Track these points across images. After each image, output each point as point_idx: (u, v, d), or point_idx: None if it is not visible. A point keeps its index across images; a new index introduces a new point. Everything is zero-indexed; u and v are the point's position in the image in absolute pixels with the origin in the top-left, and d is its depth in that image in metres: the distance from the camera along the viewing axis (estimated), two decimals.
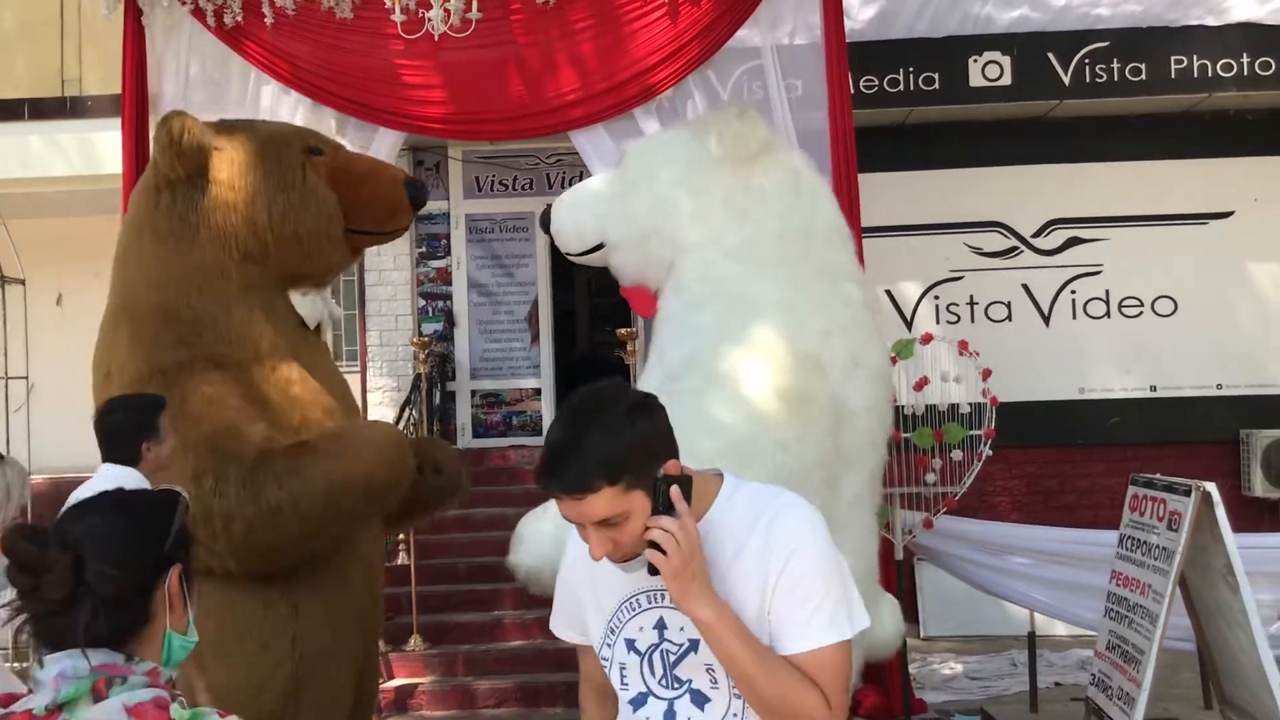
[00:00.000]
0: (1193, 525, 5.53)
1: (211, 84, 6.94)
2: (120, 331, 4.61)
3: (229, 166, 4.71)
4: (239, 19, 6.67)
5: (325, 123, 6.76)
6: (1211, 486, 5.54)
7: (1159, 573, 5.66)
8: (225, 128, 4.89)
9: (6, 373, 6.27)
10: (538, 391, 10.40)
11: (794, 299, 4.79)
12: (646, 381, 4.89)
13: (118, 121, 9.51)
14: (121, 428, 4.01)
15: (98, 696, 1.72)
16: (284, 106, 6.83)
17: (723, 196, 4.91)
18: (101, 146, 9.64)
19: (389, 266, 10.39)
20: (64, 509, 1.97)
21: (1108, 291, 9.33)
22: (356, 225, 4.94)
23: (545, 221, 5.41)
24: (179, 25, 6.86)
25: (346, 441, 4.49)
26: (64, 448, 7.26)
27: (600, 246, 5.18)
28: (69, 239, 10.31)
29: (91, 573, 1.74)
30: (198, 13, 6.72)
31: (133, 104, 6.86)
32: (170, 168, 4.62)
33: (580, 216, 5.20)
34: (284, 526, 4.23)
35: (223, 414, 4.38)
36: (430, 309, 10.40)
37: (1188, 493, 5.58)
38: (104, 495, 1.91)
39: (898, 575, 6.56)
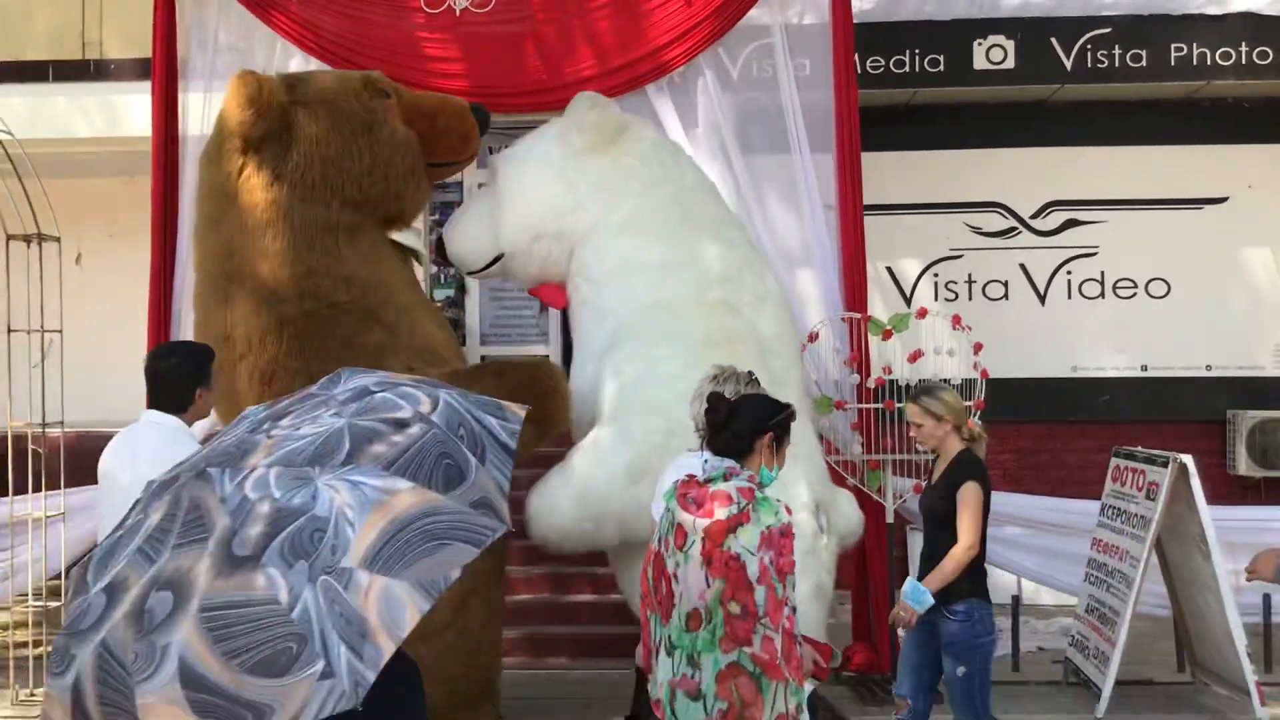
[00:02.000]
0: (1169, 495, 5.83)
1: (238, 52, 7.16)
2: (233, 294, 4.81)
3: (314, 120, 4.87)
4: None
5: None
6: (1188, 458, 5.84)
7: (1136, 540, 5.96)
8: (294, 80, 5.05)
9: (43, 326, 6.51)
10: (546, 358, 10.65)
11: (688, 255, 5.24)
12: (582, 367, 5.27)
13: (141, 85, 9.83)
14: (175, 372, 3.99)
15: (726, 479, 3.23)
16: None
17: (596, 182, 5.34)
18: (124, 109, 9.82)
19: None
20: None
21: (1103, 273, 9.53)
22: (435, 158, 5.23)
23: (442, 251, 5.75)
24: None
25: (508, 373, 4.88)
26: (85, 403, 7.52)
27: (498, 259, 5.53)
28: (88, 199, 10.50)
29: (738, 422, 3.34)
30: None
31: (162, 71, 7.07)
32: (249, 129, 4.79)
33: (471, 236, 5.56)
34: None
35: (367, 354, 4.68)
36: (443, 275, 10.62)
37: (1165, 464, 5.88)
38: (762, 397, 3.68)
39: (890, 547, 6.82)
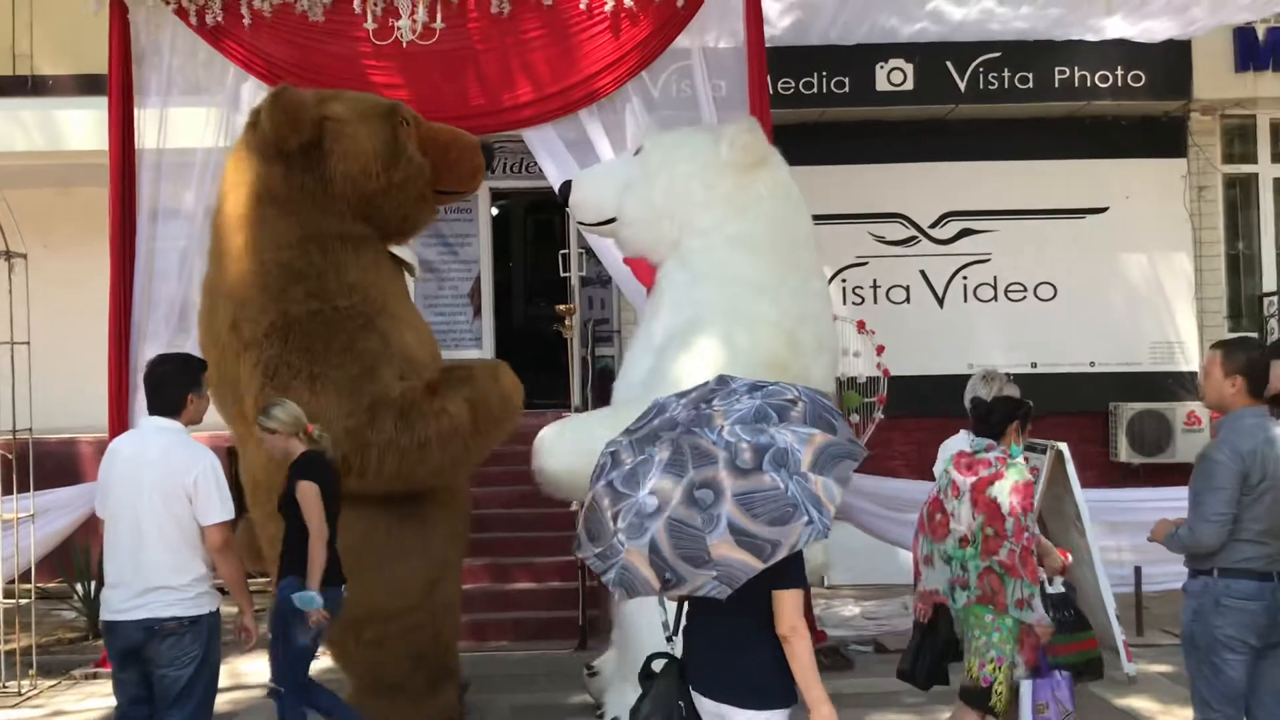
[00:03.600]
0: (1049, 478, 6.57)
1: (193, 77, 7.54)
2: (247, 288, 5.24)
3: (343, 138, 5.32)
4: (219, 19, 7.30)
5: None
6: (1063, 446, 6.59)
7: None
8: (326, 99, 5.48)
9: (12, 338, 6.85)
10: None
11: (778, 285, 5.80)
12: (648, 337, 5.80)
13: (77, 100, 10.14)
14: (170, 379, 4.53)
15: (987, 450, 4.81)
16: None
17: (728, 193, 5.88)
18: (62, 124, 10.06)
19: None
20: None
21: (995, 278, 10.31)
22: (442, 186, 5.73)
23: (565, 193, 6.21)
24: (162, 22, 7.45)
25: (477, 378, 5.23)
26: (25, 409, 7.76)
27: (612, 220, 6.05)
28: (22, 211, 10.65)
29: (995, 415, 4.97)
30: (180, 12, 7.34)
31: (119, 92, 7.44)
32: (284, 139, 5.21)
33: (601, 193, 6.05)
34: (430, 459, 5.03)
35: (365, 359, 5.13)
36: None
37: (1044, 451, 6.62)
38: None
39: None
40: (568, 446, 5.29)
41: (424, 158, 5.61)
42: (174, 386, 4.51)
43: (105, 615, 4.50)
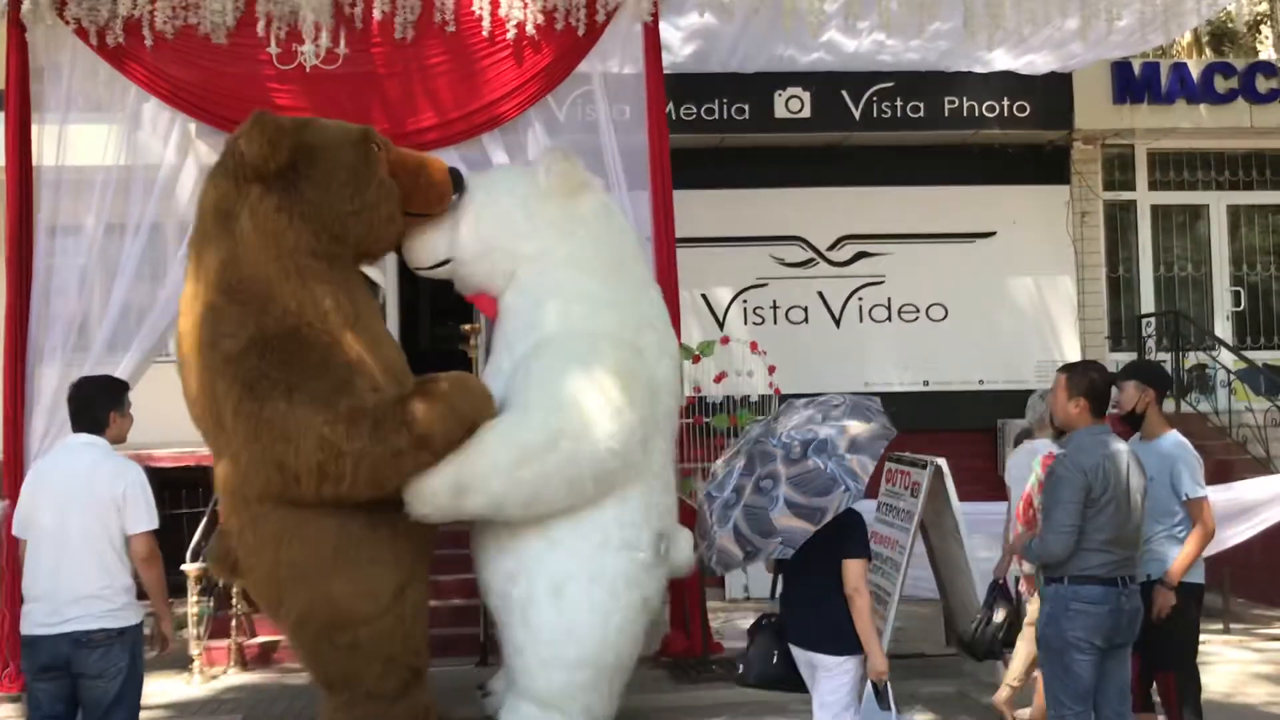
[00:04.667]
0: (929, 492, 6.87)
1: (93, 96, 7.50)
2: (225, 305, 5.37)
3: (318, 162, 5.49)
4: (120, 40, 7.27)
5: (205, 137, 7.49)
6: (942, 461, 6.90)
7: (904, 531, 7.00)
8: (302, 126, 5.62)
9: None
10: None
11: (614, 299, 6.03)
12: (497, 366, 5.99)
13: None
14: (94, 400, 4.79)
15: None
16: (162, 121, 7.50)
17: (552, 219, 6.10)
18: None
19: None
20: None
21: (889, 299, 10.68)
22: (411, 208, 5.88)
23: (458, 180, 6.34)
24: (62, 42, 7.38)
25: (446, 388, 5.39)
26: None
27: (446, 262, 6.22)
28: None
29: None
30: (80, 32, 7.28)
31: (16, 109, 7.37)
32: (264, 162, 5.36)
33: (428, 237, 6.20)
34: (404, 466, 5.23)
35: (340, 372, 5.32)
36: None
37: (925, 466, 6.92)
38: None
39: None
40: (432, 483, 5.49)
41: (394, 181, 5.77)
42: (97, 406, 4.78)
43: (27, 630, 4.62)
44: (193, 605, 7.59)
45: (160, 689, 7.37)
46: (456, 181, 6.12)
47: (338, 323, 5.54)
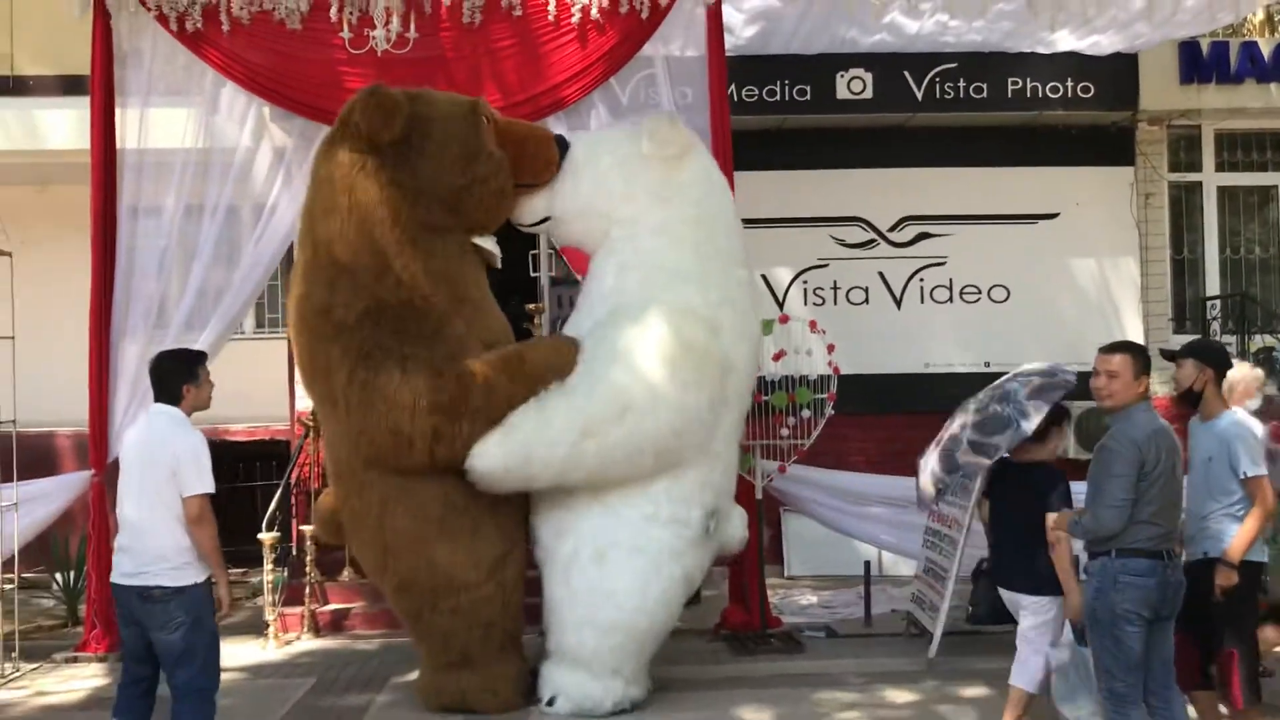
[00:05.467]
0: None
1: (173, 80, 7.77)
2: (338, 275, 5.59)
3: (430, 134, 5.63)
4: (199, 25, 7.53)
5: (278, 121, 7.71)
6: None
7: (963, 509, 7.04)
8: (415, 98, 5.75)
9: None
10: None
11: (700, 272, 6.08)
12: (577, 325, 6.12)
13: (56, 100, 10.35)
14: (170, 374, 5.07)
15: None
16: (238, 105, 7.75)
17: (650, 185, 6.15)
18: (42, 123, 10.27)
19: None
20: None
21: (951, 280, 10.66)
22: (519, 179, 6.03)
23: (563, 146, 6.46)
24: (143, 28, 7.68)
25: (546, 353, 5.78)
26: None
27: (546, 220, 6.36)
28: (4, 208, 10.86)
29: None
30: (161, 18, 7.56)
31: (101, 94, 7.66)
32: (378, 134, 5.52)
33: (532, 195, 6.31)
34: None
35: (450, 341, 5.57)
36: None
37: None
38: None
39: (760, 521, 7.75)
40: (495, 452, 5.63)
41: (502, 152, 5.91)
42: (172, 379, 5.05)
43: (112, 578, 4.98)
44: (268, 573, 7.85)
45: (236, 653, 7.63)
46: (562, 148, 6.22)
47: (448, 293, 5.70)
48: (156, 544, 4.83)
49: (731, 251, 6.34)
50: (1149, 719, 4.70)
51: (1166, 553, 4.62)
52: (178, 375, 5.04)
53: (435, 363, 5.53)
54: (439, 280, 5.72)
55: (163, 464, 4.84)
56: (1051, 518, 5.21)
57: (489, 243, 6.21)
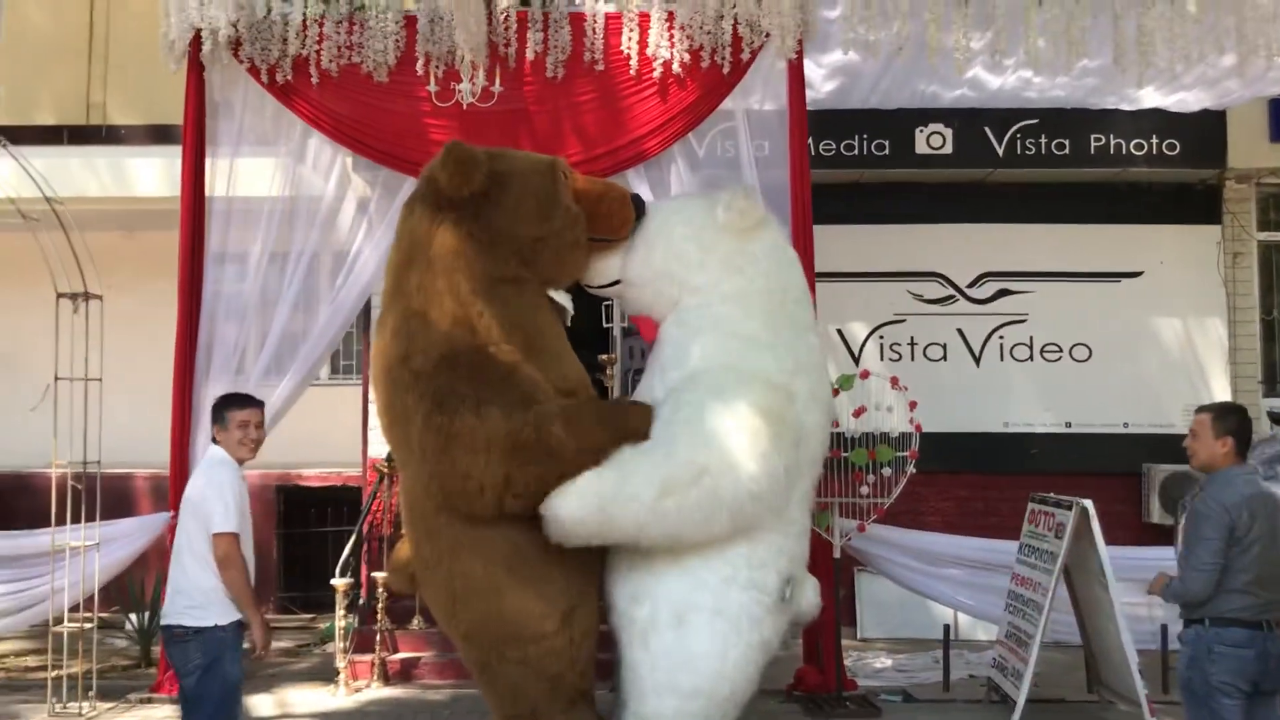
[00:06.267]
0: (1074, 534, 6.75)
1: (261, 131, 7.95)
2: (418, 325, 5.66)
3: (508, 190, 5.71)
4: (289, 77, 7.70)
5: (361, 171, 7.83)
6: (1088, 502, 6.76)
7: (1046, 573, 6.88)
8: (495, 155, 5.85)
9: (86, 375, 7.27)
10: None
11: (773, 340, 6.03)
12: (648, 390, 6.09)
13: (145, 149, 10.64)
14: (212, 416, 5.45)
15: None
16: (324, 155, 7.89)
17: (723, 255, 6.13)
18: (132, 171, 10.56)
19: None
20: None
21: (1031, 338, 10.48)
22: (594, 234, 6.06)
23: (639, 206, 6.50)
24: (235, 80, 7.87)
25: (632, 413, 5.68)
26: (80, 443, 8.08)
27: (617, 283, 6.36)
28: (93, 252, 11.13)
29: None
30: (253, 70, 7.74)
31: (192, 144, 7.84)
32: (457, 189, 5.62)
33: (603, 257, 6.34)
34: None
35: (525, 387, 5.55)
36: None
37: (1070, 508, 6.79)
38: None
39: (836, 580, 7.62)
40: (574, 502, 5.60)
41: (579, 207, 5.98)
42: (212, 422, 5.41)
43: None
44: (339, 619, 7.86)
45: (306, 699, 7.66)
46: (638, 207, 6.25)
47: (523, 342, 5.73)
48: (180, 582, 4.93)
49: (803, 319, 6.32)
50: None
51: (1267, 624, 4.43)
52: (213, 418, 5.38)
53: (509, 409, 5.53)
54: (514, 329, 5.74)
55: (191, 502, 5.03)
56: (1153, 582, 5.04)
57: (563, 297, 6.21)
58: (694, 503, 5.52)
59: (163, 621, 4.99)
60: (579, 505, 5.52)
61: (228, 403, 5.48)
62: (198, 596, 4.83)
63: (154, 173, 10.21)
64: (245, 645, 5.16)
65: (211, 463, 5.13)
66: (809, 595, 6.14)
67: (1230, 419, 4.62)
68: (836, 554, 7.52)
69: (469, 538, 5.63)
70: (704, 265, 6.09)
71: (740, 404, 5.63)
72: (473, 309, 5.68)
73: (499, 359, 5.65)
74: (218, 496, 4.90)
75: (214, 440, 5.41)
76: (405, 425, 5.75)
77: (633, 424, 5.66)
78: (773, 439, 5.65)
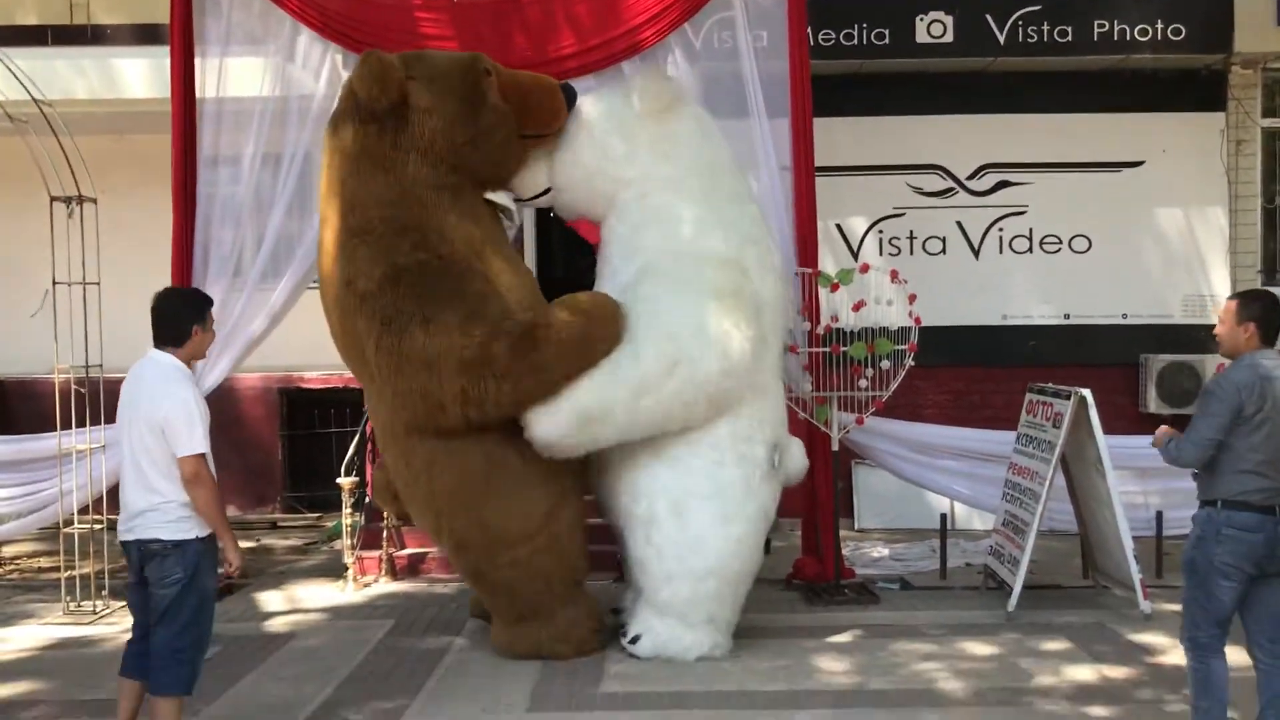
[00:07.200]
0: (1071, 423, 6.79)
1: (250, 29, 7.78)
2: (356, 246, 5.58)
3: (428, 95, 5.59)
4: None
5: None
6: (1087, 392, 6.80)
7: (1044, 462, 6.94)
8: (412, 59, 5.73)
9: (84, 279, 7.26)
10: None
11: (715, 218, 6.12)
12: (603, 289, 6.11)
13: (134, 50, 10.42)
14: (180, 312, 4.72)
15: None
16: (315, 53, 7.73)
17: (648, 141, 6.18)
18: (120, 73, 10.37)
19: None
20: None
21: (1031, 230, 10.41)
22: (527, 130, 5.99)
23: (570, 96, 6.44)
24: None
25: (581, 297, 5.66)
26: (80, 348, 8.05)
27: (547, 191, 6.34)
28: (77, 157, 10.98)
29: None
30: None
31: (180, 44, 7.69)
32: (376, 101, 5.51)
33: (531, 167, 6.29)
34: (548, 378, 5.48)
35: (472, 299, 5.49)
36: None
37: (1069, 397, 6.83)
38: None
39: (835, 472, 7.69)
40: (555, 421, 5.65)
41: (506, 104, 5.86)
42: (182, 318, 4.70)
43: (118, 535, 4.75)
44: (346, 518, 7.96)
45: (315, 595, 7.80)
46: (569, 97, 6.15)
47: (465, 252, 5.66)
48: (143, 499, 4.58)
49: (739, 191, 6.39)
50: (1258, 670, 4.61)
51: (1277, 508, 4.47)
52: (188, 315, 4.71)
53: (458, 322, 5.48)
54: (453, 239, 5.68)
55: (150, 420, 4.50)
56: (1157, 435, 4.98)
57: (504, 198, 6.16)
58: (671, 394, 5.64)
59: (131, 536, 4.60)
60: (561, 423, 5.63)
61: (208, 300, 4.97)
62: (173, 511, 4.53)
63: (142, 74, 10.02)
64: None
65: (168, 376, 4.56)
66: (795, 456, 6.35)
67: (1254, 306, 4.62)
68: (835, 446, 7.57)
69: (442, 453, 5.69)
70: (632, 157, 6.11)
71: (696, 288, 5.73)
72: (410, 223, 5.61)
73: (442, 271, 5.56)
74: (185, 417, 4.46)
75: (174, 339, 4.66)
76: (360, 349, 5.75)
77: (593, 319, 5.64)
78: (734, 315, 5.76)
